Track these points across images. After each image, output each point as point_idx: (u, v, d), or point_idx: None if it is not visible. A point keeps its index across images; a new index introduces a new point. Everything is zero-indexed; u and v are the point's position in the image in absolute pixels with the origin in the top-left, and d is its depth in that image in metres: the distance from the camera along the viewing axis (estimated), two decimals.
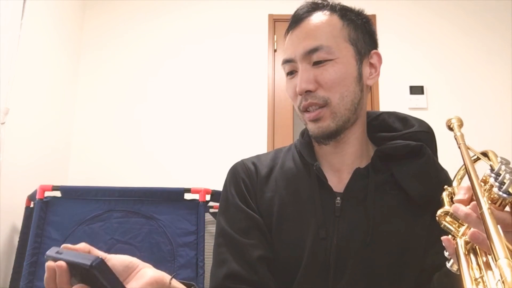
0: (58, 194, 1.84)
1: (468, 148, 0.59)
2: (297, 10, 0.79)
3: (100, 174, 2.59)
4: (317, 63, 0.74)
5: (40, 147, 2.36)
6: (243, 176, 0.81)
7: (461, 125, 0.66)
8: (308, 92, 0.73)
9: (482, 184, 0.50)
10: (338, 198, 0.74)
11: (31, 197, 1.98)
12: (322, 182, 0.76)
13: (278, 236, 0.75)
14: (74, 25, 2.79)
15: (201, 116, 2.72)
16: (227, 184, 0.82)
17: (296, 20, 0.78)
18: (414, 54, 2.74)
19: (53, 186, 1.84)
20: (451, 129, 0.66)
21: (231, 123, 2.71)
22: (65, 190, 1.84)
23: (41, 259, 1.75)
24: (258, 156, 0.86)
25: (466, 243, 0.51)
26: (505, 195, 0.46)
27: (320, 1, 0.79)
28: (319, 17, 0.77)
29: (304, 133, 0.85)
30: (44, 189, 1.82)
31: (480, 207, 0.45)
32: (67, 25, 2.69)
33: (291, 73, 0.78)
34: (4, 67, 1.97)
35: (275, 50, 2.80)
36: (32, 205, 1.97)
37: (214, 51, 2.82)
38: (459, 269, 0.48)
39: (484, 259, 0.47)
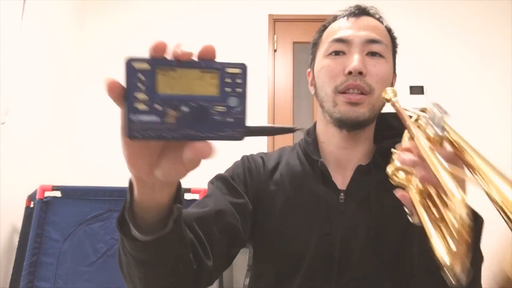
0: (58, 194, 1.84)
1: (405, 110, 0.64)
2: (356, 5, 0.83)
3: (100, 174, 2.59)
4: (372, 54, 0.78)
5: (40, 147, 2.36)
6: (249, 166, 0.83)
7: (395, 95, 0.69)
8: (359, 74, 0.75)
9: (418, 128, 0.54)
10: (342, 194, 0.76)
11: (31, 197, 1.98)
12: (326, 179, 0.78)
13: (281, 231, 0.76)
14: (74, 25, 2.78)
15: None
16: (230, 168, 0.84)
17: (358, 12, 0.82)
18: (414, 54, 2.74)
19: (53, 186, 1.85)
20: (388, 100, 0.68)
21: None
22: (65, 190, 1.84)
23: (41, 259, 1.75)
24: (264, 153, 0.89)
25: (420, 192, 0.51)
26: (438, 131, 0.50)
27: (373, 10, 0.84)
28: (376, 21, 0.82)
29: (309, 132, 0.87)
30: (44, 189, 1.82)
31: (423, 148, 0.47)
32: (67, 25, 2.69)
33: (337, 53, 0.79)
34: (4, 67, 1.97)
35: (275, 50, 2.80)
36: (32, 205, 1.97)
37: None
38: (418, 217, 0.48)
39: (439, 203, 0.47)
